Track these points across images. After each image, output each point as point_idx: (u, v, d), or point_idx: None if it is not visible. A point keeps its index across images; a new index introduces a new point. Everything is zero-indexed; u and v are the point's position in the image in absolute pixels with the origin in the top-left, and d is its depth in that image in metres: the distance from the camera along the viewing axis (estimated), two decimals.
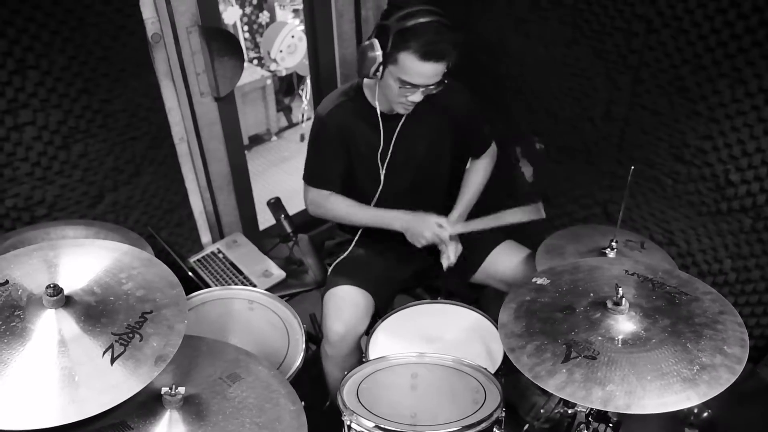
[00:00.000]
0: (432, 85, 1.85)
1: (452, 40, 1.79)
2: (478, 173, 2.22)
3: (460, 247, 2.06)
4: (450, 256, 2.02)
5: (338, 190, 2.11)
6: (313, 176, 2.13)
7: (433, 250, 2.06)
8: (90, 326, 1.20)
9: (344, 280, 2.06)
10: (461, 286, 2.21)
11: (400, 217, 2.03)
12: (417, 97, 1.87)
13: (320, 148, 2.08)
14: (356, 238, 2.18)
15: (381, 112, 1.98)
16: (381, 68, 1.83)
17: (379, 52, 1.81)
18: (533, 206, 1.91)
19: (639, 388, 1.21)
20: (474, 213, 2.17)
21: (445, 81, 1.87)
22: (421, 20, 1.77)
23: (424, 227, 1.98)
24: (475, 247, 2.14)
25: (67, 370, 1.13)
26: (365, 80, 2.00)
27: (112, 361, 1.16)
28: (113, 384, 1.13)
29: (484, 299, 2.35)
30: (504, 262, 2.13)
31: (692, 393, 1.20)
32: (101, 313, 1.22)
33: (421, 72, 1.80)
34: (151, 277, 1.33)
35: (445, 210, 2.10)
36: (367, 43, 1.84)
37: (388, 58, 1.81)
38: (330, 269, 2.18)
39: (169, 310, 1.27)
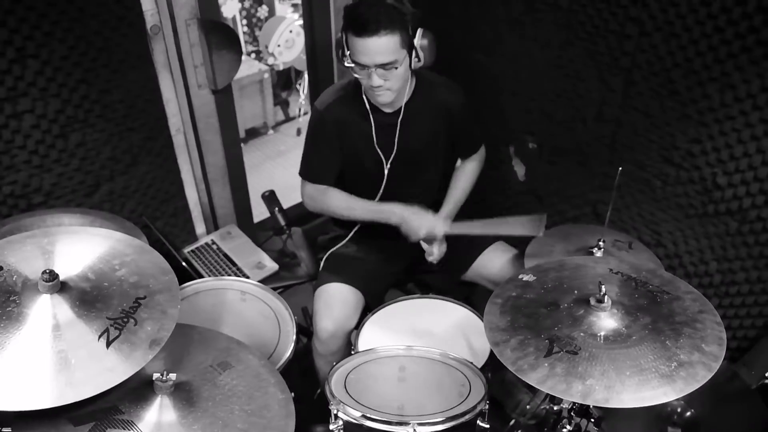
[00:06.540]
0: (386, 64, 1.79)
1: (389, 12, 1.74)
2: (466, 175, 2.22)
3: (444, 247, 2.08)
4: (434, 252, 2.06)
5: (334, 184, 2.10)
6: (310, 171, 2.12)
7: (418, 245, 2.08)
8: (85, 311, 1.22)
9: (335, 277, 2.07)
10: (453, 285, 2.24)
11: (396, 211, 2.02)
12: (376, 80, 1.82)
13: (317, 143, 2.07)
14: (351, 234, 2.19)
15: (376, 108, 1.98)
16: (347, 54, 1.83)
17: (341, 38, 1.84)
18: (535, 221, 1.91)
19: (618, 383, 1.24)
20: (468, 213, 2.19)
21: (415, 64, 1.86)
22: None
23: (421, 224, 1.99)
24: (467, 246, 2.15)
25: (63, 353, 1.15)
26: None
27: (108, 344, 1.18)
28: (109, 367, 1.15)
29: (475, 296, 2.37)
30: (494, 262, 2.14)
31: (669, 389, 1.23)
32: (96, 298, 1.25)
33: (362, 49, 1.77)
34: (144, 263, 1.36)
35: (434, 206, 2.10)
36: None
37: (346, 43, 1.82)
38: (321, 263, 2.19)
39: (162, 295, 1.29)
